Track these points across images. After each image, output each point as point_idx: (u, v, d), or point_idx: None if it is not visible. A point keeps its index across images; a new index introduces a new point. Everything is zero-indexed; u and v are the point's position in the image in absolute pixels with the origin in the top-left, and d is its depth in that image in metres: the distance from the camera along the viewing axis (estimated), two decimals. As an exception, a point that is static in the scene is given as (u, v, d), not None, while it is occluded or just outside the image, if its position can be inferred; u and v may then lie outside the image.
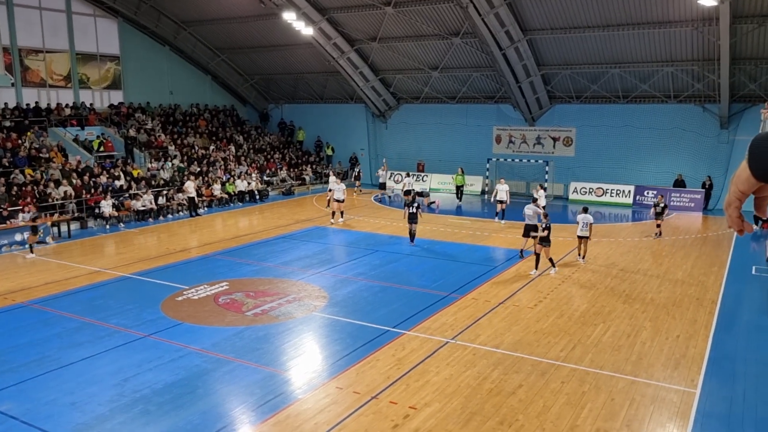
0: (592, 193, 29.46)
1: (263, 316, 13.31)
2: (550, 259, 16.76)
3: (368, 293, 15.08)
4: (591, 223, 17.92)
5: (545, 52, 27.96)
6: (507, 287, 15.48)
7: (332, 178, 26.24)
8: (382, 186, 33.60)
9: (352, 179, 34.81)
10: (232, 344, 11.67)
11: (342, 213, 24.28)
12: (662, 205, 20.89)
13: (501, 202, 23.54)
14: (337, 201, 23.87)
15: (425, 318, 13.09)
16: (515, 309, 13.75)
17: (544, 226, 16.55)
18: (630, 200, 28.38)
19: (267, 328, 12.58)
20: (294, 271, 17.13)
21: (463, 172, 30.04)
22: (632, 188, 28.63)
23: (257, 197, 30.36)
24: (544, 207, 23.06)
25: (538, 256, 16.75)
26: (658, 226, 21.12)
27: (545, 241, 16.53)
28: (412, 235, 20.16)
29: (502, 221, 23.60)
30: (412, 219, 20.08)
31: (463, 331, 12.34)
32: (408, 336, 12.05)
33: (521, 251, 18.30)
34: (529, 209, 17.92)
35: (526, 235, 17.61)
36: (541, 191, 23.77)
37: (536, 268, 16.66)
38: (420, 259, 18.55)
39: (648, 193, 28.24)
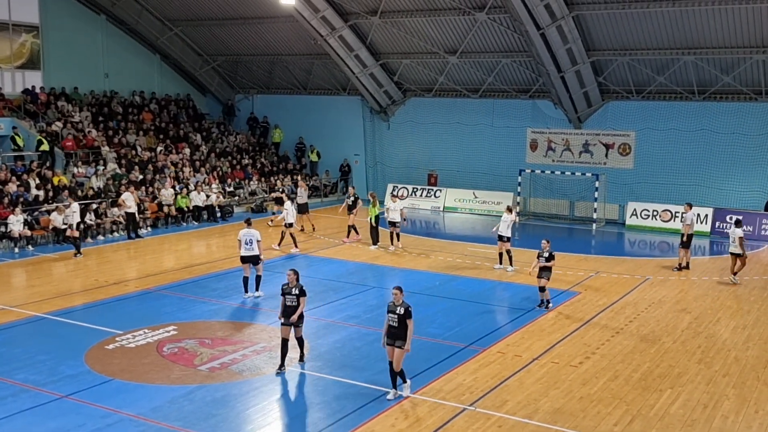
0: (657, 217, 29.45)
1: (222, 371, 13.20)
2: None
3: (361, 343, 14.98)
4: (740, 237, 19.80)
5: (597, 32, 28.17)
6: (544, 338, 15.39)
7: (287, 203, 24.15)
8: (392, 225, 25.03)
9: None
10: (180, 409, 11.55)
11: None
12: (546, 253, 17.47)
13: (502, 239, 21.37)
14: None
15: (436, 377, 13.00)
16: (554, 367, 13.66)
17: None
18: (707, 227, 28.33)
19: (227, 387, 12.46)
20: (264, 313, 17.03)
21: (376, 198, 25.04)
22: (710, 211, 28.58)
23: (218, 215, 30.35)
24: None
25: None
26: (543, 289, 17.53)
27: (400, 338, 11.96)
28: (284, 354, 13.18)
29: (509, 269, 21.38)
30: (288, 316, 13.20)
31: (486, 395, 12.25)
32: (413, 400, 11.96)
33: None
34: None
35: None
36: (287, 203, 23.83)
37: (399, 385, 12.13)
38: (430, 299, 18.42)
39: (731, 217, 28.15)
